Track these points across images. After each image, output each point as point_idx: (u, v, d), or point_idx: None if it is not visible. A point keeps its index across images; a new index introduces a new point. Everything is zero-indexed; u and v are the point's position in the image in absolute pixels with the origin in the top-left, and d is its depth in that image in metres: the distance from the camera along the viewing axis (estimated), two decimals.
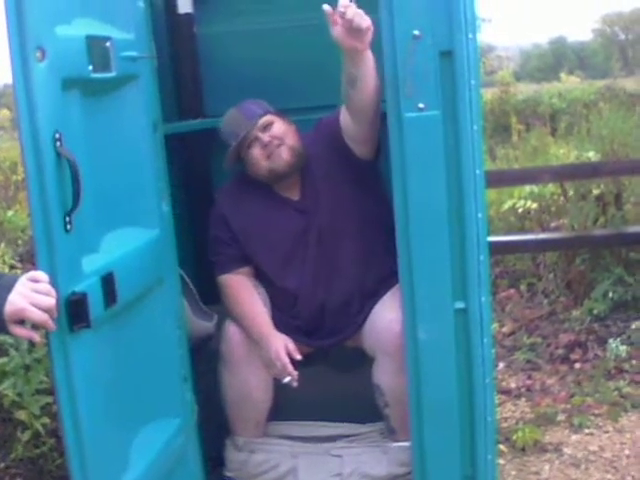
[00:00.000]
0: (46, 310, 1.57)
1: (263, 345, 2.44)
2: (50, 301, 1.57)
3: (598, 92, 12.22)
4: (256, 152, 2.46)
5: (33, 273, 1.59)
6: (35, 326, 1.60)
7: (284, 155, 2.45)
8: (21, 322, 1.57)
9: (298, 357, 2.39)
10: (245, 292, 2.53)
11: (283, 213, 2.54)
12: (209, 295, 2.64)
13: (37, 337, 1.61)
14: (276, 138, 2.45)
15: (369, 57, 2.11)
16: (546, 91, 14.05)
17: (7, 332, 1.59)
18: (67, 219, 1.63)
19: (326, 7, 1.95)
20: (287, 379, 2.39)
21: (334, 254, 2.50)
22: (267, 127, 2.46)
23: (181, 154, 2.87)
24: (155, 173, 2.11)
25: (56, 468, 2.77)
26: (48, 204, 1.59)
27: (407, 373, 2.05)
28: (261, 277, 2.58)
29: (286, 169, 2.47)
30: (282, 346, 2.40)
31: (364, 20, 1.96)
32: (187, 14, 2.90)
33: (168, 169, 2.22)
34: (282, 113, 2.53)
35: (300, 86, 2.87)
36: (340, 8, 1.93)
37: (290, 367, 2.38)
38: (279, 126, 2.48)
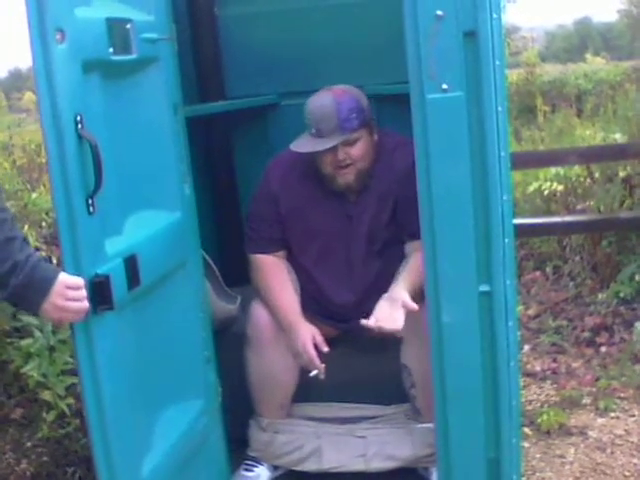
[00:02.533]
0: (79, 313, 1.61)
1: (291, 334, 2.43)
2: (83, 307, 1.61)
3: (624, 73, 12.03)
4: (327, 158, 2.38)
5: (70, 281, 1.60)
6: None
7: (349, 177, 2.39)
8: None
9: (325, 349, 2.38)
10: (277, 277, 2.51)
11: (333, 207, 2.49)
12: (232, 277, 2.64)
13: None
14: (351, 158, 2.37)
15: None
16: (572, 72, 13.86)
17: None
18: (90, 201, 1.64)
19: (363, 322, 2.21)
20: (314, 372, 2.38)
21: (368, 265, 2.50)
22: (351, 143, 2.36)
23: (203, 137, 2.87)
24: (177, 156, 2.10)
25: (81, 448, 2.79)
26: (70, 187, 1.59)
27: (431, 356, 2.03)
28: (293, 262, 2.57)
29: (344, 188, 2.43)
30: (309, 338, 2.39)
31: (394, 325, 2.19)
32: None
33: (190, 152, 2.22)
34: (373, 120, 2.43)
35: (322, 67, 2.85)
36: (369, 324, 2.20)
37: (317, 360, 2.37)
38: (360, 146, 2.37)
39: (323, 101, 2.36)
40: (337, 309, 2.56)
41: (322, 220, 2.50)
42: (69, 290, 1.59)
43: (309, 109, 2.38)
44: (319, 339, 2.40)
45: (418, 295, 2.19)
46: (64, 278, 1.60)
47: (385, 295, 2.30)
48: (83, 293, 1.61)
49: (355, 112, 2.34)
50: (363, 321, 2.21)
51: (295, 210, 2.51)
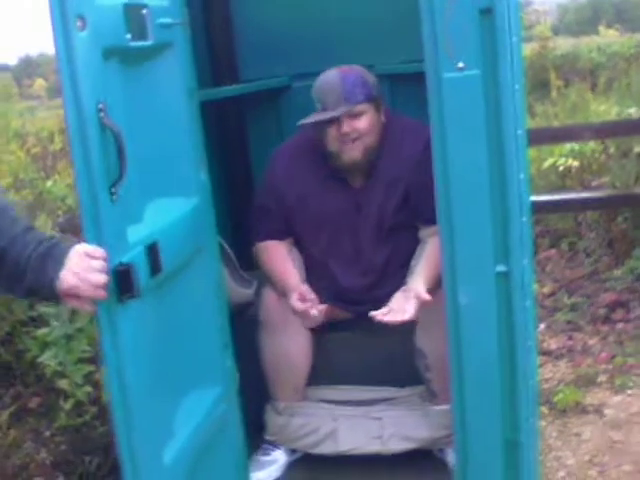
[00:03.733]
0: (98, 287, 1.58)
1: (287, 298, 2.41)
2: (102, 278, 1.58)
3: (638, 46, 11.87)
4: (332, 132, 2.36)
5: (89, 248, 1.59)
6: None
7: (355, 151, 2.37)
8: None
9: (311, 296, 2.35)
10: (278, 253, 2.53)
11: (339, 196, 2.49)
12: (248, 262, 2.65)
13: (89, 307, 1.63)
14: (357, 131, 2.35)
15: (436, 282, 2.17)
16: (585, 45, 13.70)
17: (62, 303, 1.62)
18: (112, 190, 1.63)
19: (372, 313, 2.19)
20: (313, 313, 2.33)
21: (378, 250, 2.50)
22: (356, 116, 2.34)
23: (217, 121, 2.86)
24: (193, 141, 2.10)
25: (99, 436, 2.82)
26: (94, 176, 1.59)
27: (448, 337, 2.03)
28: (303, 252, 2.58)
29: (350, 164, 2.40)
30: (295, 297, 2.35)
31: (403, 317, 2.17)
32: None
33: (204, 136, 2.21)
34: (380, 99, 2.41)
35: (334, 47, 2.83)
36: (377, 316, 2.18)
37: (310, 310, 2.32)
38: (367, 119, 2.35)
39: (328, 76, 2.37)
40: (349, 294, 2.57)
41: (329, 209, 2.49)
42: (88, 258, 1.57)
43: (316, 85, 2.39)
44: (304, 289, 2.37)
45: (436, 282, 2.18)
46: (83, 246, 1.59)
47: (403, 287, 2.30)
48: (103, 264, 1.58)
49: (360, 86, 2.33)
50: (372, 313, 2.21)
51: (301, 201, 2.50)
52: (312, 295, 2.37)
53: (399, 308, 2.22)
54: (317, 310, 2.33)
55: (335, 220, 2.50)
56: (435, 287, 2.20)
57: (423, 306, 2.23)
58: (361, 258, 2.53)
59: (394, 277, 2.49)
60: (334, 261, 2.55)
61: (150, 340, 1.79)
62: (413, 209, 2.43)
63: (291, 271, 2.49)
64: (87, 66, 1.57)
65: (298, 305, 2.35)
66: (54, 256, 1.57)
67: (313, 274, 2.56)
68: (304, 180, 2.50)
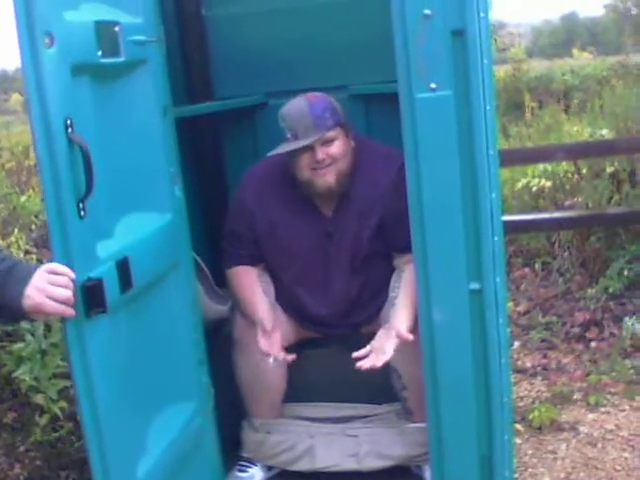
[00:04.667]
0: (63, 302, 1.58)
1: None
2: (67, 293, 1.58)
3: (611, 68, 12.06)
4: (305, 160, 2.33)
5: (51, 265, 1.59)
6: None
7: (329, 177, 2.34)
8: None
9: (276, 335, 2.37)
10: (248, 279, 2.51)
11: (311, 225, 2.46)
12: (223, 278, 2.64)
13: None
14: (331, 157, 2.33)
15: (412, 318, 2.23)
16: (558, 67, 13.91)
17: (28, 319, 1.61)
18: (80, 205, 1.63)
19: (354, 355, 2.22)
20: (270, 360, 2.36)
21: (351, 280, 2.49)
22: (329, 142, 2.33)
23: (192, 138, 2.86)
24: (166, 158, 2.10)
25: (75, 451, 2.79)
26: (61, 191, 1.59)
27: (423, 354, 2.04)
28: (273, 279, 2.57)
29: (324, 190, 2.37)
30: (260, 333, 2.37)
31: (381, 359, 2.20)
32: None
33: (179, 153, 2.21)
34: (349, 123, 2.40)
35: (309, 66, 2.85)
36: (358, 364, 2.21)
37: (271, 350, 2.34)
38: (339, 145, 2.33)
39: (296, 104, 2.34)
40: (320, 321, 2.56)
41: (300, 238, 2.47)
42: (52, 275, 1.57)
43: (283, 114, 2.35)
44: (266, 326, 2.37)
45: (416, 311, 2.16)
46: (47, 264, 1.60)
47: (386, 325, 2.31)
48: (67, 280, 1.58)
49: (329, 111, 2.32)
50: (354, 354, 2.22)
51: (272, 228, 2.47)
52: (276, 333, 2.38)
53: (380, 347, 2.22)
54: (279, 356, 2.34)
55: (306, 249, 2.48)
56: (414, 321, 2.20)
57: (404, 341, 2.23)
58: (333, 287, 2.51)
59: (368, 305, 2.50)
60: (304, 290, 2.52)
61: (122, 356, 1.78)
62: (388, 237, 2.42)
63: (259, 300, 2.46)
64: (55, 82, 1.57)
65: (262, 344, 2.35)
66: (17, 274, 1.57)
67: (283, 301, 2.56)
68: (274, 207, 2.47)
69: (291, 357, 2.36)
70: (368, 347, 2.23)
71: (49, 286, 1.56)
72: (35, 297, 1.56)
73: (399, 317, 2.28)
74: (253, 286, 2.50)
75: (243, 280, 2.52)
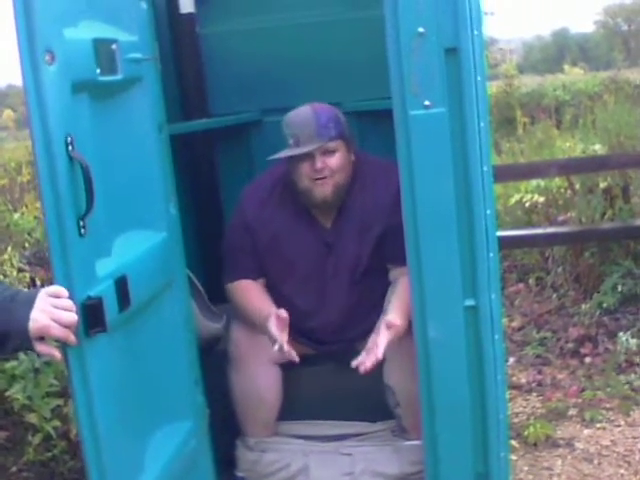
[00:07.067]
0: (68, 326, 1.56)
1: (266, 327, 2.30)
2: (72, 317, 1.57)
3: (602, 84, 12.16)
4: (304, 168, 2.34)
5: (53, 288, 1.58)
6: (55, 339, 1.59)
7: (326, 189, 2.35)
8: (42, 337, 1.56)
9: (284, 315, 2.22)
10: (255, 290, 2.49)
11: (310, 235, 2.47)
12: (217, 296, 2.64)
13: (59, 355, 1.60)
14: (329, 168, 2.34)
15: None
16: (550, 83, 14.00)
17: (31, 349, 1.59)
18: (81, 223, 1.62)
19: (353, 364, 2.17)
20: (276, 347, 2.23)
21: (350, 292, 2.48)
22: (330, 152, 2.34)
23: (186, 155, 2.87)
24: (162, 175, 2.10)
25: (67, 470, 2.77)
26: (62, 209, 1.58)
27: (418, 371, 2.04)
28: (271, 289, 2.54)
29: (320, 201, 2.38)
30: (273, 319, 2.24)
31: (377, 353, 2.13)
32: (189, 14, 2.90)
33: (174, 170, 2.21)
34: (351, 137, 2.41)
35: (303, 84, 2.86)
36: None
37: (282, 337, 2.21)
38: (339, 157, 2.35)
39: (302, 111, 2.36)
40: (318, 335, 2.55)
41: (300, 249, 2.47)
42: (53, 298, 1.56)
43: (287, 120, 2.37)
44: (280, 312, 2.25)
45: (407, 318, 2.16)
46: (44, 289, 1.59)
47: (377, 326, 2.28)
48: (69, 302, 1.57)
49: (333, 122, 2.34)
50: (353, 363, 2.18)
51: (272, 241, 2.47)
52: (287, 328, 2.24)
53: (372, 344, 2.20)
54: (284, 347, 2.24)
55: (305, 259, 2.48)
56: (406, 324, 2.20)
57: (396, 335, 2.19)
58: (331, 299, 2.50)
59: (365, 318, 2.48)
60: (303, 302, 2.51)
61: (119, 375, 1.77)
62: (387, 251, 2.42)
63: (270, 305, 2.41)
64: (56, 100, 1.57)
65: (273, 329, 2.23)
66: (20, 300, 1.55)
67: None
68: (275, 220, 2.48)
69: (295, 356, 2.26)
70: (363, 352, 2.20)
71: (54, 309, 1.55)
72: (41, 320, 1.53)
73: (390, 313, 2.26)
74: (261, 296, 2.47)
75: (248, 293, 2.49)
